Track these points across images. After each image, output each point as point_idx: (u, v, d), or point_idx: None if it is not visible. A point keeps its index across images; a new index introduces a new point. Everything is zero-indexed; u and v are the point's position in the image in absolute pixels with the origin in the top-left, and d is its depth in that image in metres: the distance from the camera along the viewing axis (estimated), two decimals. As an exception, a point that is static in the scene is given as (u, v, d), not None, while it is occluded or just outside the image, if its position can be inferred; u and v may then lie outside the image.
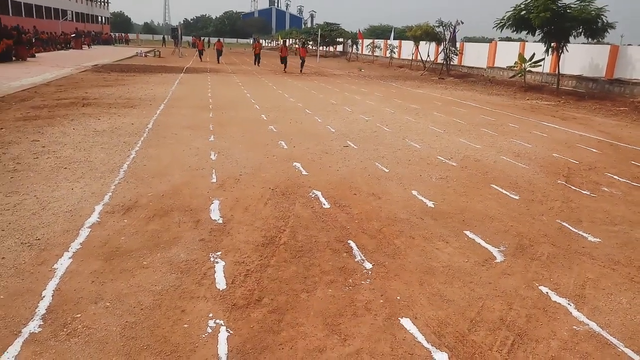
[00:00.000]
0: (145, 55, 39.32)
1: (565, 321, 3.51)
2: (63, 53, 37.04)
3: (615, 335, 3.36)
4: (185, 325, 3.22)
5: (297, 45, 33.14)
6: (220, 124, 10.55)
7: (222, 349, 3.00)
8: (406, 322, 3.38)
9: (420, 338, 3.21)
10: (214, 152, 7.99)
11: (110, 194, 5.73)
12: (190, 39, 69.82)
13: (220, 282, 3.81)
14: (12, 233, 4.54)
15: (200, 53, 38.52)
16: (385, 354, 3.03)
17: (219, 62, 34.54)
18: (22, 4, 48.25)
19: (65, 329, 3.13)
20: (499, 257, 4.52)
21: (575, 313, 3.63)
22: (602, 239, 5.09)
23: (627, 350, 3.19)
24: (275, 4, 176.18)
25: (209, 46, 53.42)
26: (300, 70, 28.32)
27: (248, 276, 3.93)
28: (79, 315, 3.29)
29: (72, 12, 62.40)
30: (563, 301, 3.79)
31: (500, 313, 3.57)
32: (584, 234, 5.20)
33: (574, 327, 3.44)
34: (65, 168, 6.71)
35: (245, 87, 18.86)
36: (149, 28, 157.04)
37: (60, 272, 3.86)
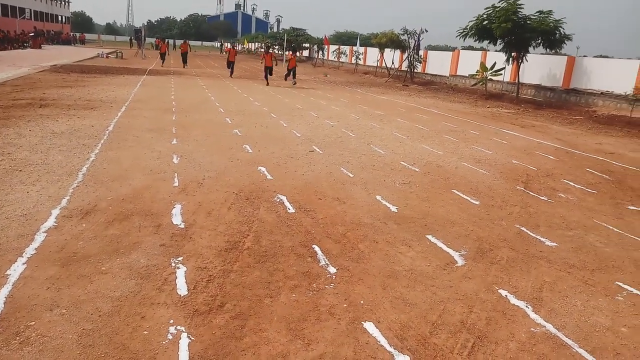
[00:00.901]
0: (107, 57, 38.42)
1: (524, 323, 3.60)
2: (20, 52, 35.83)
3: (570, 336, 3.46)
4: (145, 332, 3.15)
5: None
6: (184, 127, 10.40)
7: (183, 355, 2.95)
8: (369, 326, 3.39)
9: (383, 342, 3.23)
10: (177, 155, 7.87)
11: (68, 197, 5.57)
12: (154, 40, 67.93)
13: (182, 288, 3.74)
14: (-38, 238, 4.35)
15: (162, 56, 33.36)
16: (348, 357, 3.04)
17: (185, 67, 30.96)
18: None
19: (17, 338, 3.01)
20: (460, 261, 4.60)
21: (532, 315, 3.72)
22: (558, 244, 5.25)
23: (581, 351, 3.30)
24: (242, 8, 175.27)
25: (173, 48, 49.28)
26: (294, 82, 24.01)
27: (210, 282, 3.87)
28: (32, 323, 3.17)
29: (30, 10, 60.46)
30: (521, 304, 3.88)
31: (461, 316, 3.63)
32: (542, 239, 5.35)
33: (532, 329, 3.53)
34: (21, 171, 6.48)
35: (209, 90, 18.67)
36: (111, 29, 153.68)
37: (14, 278, 3.72)
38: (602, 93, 19.87)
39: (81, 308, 3.38)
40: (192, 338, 3.12)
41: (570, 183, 7.93)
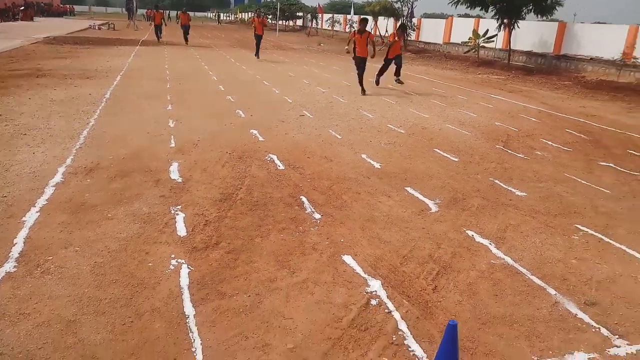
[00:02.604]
0: (99, 28, 38.21)
1: (485, 257, 4.06)
2: (11, 25, 35.61)
3: (525, 266, 3.93)
4: (150, 264, 3.60)
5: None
6: (178, 94, 10.72)
7: (184, 281, 3.40)
8: (347, 259, 3.85)
9: (359, 270, 3.69)
10: (172, 120, 8.23)
11: (72, 157, 5.96)
12: (144, 12, 66.09)
13: (181, 230, 4.18)
14: (-23, 192, 4.75)
15: (158, 29, 26.76)
16: (327, 282, 3.50)
17: (187, 42, 26.28)
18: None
19: (39, 269, 3.45)
20: (434, 208, 5.04)
21: (494, 251, 4.18)
22: (527, 193, 5.70)
23: (533, 277, 3.76)
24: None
25: (169, 19, 43.46)
26: (398, 80, 15.44)
27: (207, 225, 4.31)
28: (50, 257, 3.61)
29: (19, -19, 59.52)
30: (485, 242, 4.34)
31: (430, 251, 4.09)
32: (513, 189, 5.80)
33: (492, 261, 4.00)
34: (25, 134, 6.84)
35: (203, 60, 18.85)
36: (102, 0, 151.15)
37: (29, 223, 4.14)
38: (591, 59, 20.12)
39: (92, 246, 3.81)
40: (192, 268, 3.57)
41: (549, 142, 8.34)
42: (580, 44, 21.19)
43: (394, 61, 13.79)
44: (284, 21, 58.18)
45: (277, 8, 50.08)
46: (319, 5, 51.27)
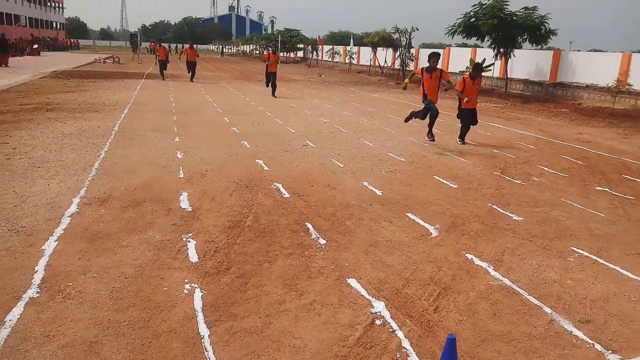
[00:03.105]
0: (104, 62, 39.07)
1: (484, 279, 4.25)
2: (18, 59, 36.39)
3: (522, 287, 4.11)
4: (165, 289, 3.79)
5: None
6: (185, 126, 11.04)
7: (198, 304, 3.59)
8: (352, 282, 4.04)
9: (363, 292, 3.88)
10: (180, 151, 8.50)
11: (85, 188, 6.20)
12: (148, 45, 67.15)
13: (193, 257, 4.38)
14: (-3, 222, 4.97)
15: (162, 66, 24.15)
16: (334, 304, 3.69)
17: (192, 81, 23.31)
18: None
19: (60, 294, 3.64)
20: (434, 233, 5.25)
21: (492, 273, 4.37)
22: (525, 218, 5.90)
23: (530, 297, 3.94)
24: (235, 10, 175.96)
25: (176, 53, 39.85)
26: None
27: (217, 252, 4.51)
28: (70, 283, 3.81)
29: (25, 17, 61.10)
30: (484, 264, 4.53)
31: (431, 274, 4.27)
32: (510, 214, 6.00)
33: (490, 282, 4.18)
34: (39, 167, 7.10)
35: (207, 93, 19.30)
36: (105, 34, 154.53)
37: (49, 252, 4.35)
38: (587, 86, 20.56)
39: (109, 272, 4.01)
40: (204, 292, 3.76)
41: (545, 168, 8.58)
42: (575, 72, 21.67)
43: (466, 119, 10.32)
44: (284, 53, 59.24)
45: (278, 40, 51.13)
46: (319, 36, 52.42)
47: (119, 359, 2.96)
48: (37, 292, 3.65)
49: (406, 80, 10.62)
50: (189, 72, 23.76)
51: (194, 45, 24.54)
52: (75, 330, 3.21)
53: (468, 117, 10.34)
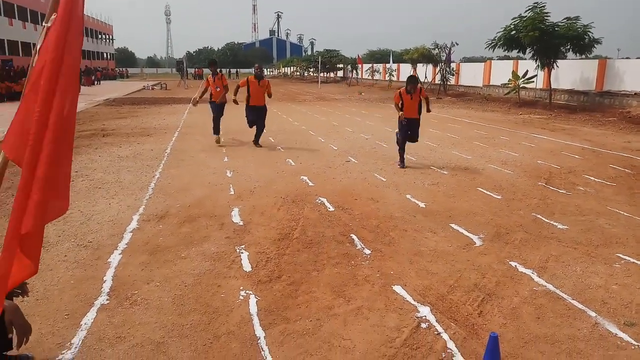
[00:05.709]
0: (152, 88, 40.72)
1: (528, 285, 4.33)
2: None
3: (566, 292, 4.17)
4: (222, 295, 4.07)
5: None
6: (232, 147, 11.48)
7: (253, 309, 3.84)
8: (398, 288, 4.21)
9: (409, 298, 4.04)
10: (229, 170, 8.90)
11: (143, 206, 6.62)
12: (193, 70, 69.36)
13: (247, 266, 4.66)
14: (67, 238, 5.41)
15: (218, 113, 12.40)
16: (380, 308, 3.87)
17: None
18: (32, 44, 50.08)
19: (127, 301, 3.98)
20: (478, 242, 5.35)
21: (536, 279, 4.44)
22: (569, 227, 5.91)
23: (574, 302, 4.00)
24: (276, 34, 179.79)
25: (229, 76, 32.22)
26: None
27: (269, 262, 4.78)
28: (136, 291, 4.14)
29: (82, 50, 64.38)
30: (528, 271, 4.61)
31: (475, 280, 4.39)
32: (555, 223, 6.03)
33: (534, 288, 4.26)
34: (100, 188, 7.61)
35: (251, 114, 19.84)
36: (152, 62, 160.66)
37: (115, 264, 4.72)
38: (635, 94, 20.01)
39: (170, 281, 4.33)
40: (259, 298, 4.02)
41: (591, 178, 8.49)
42: (623, 79, 21.13)
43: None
44: (325, 73, 60.06)
45: (318, 61, 51.95)
46: (358, 56, 52.94)
47: (184, 357, 3.23)
48: (107, 299, 4.00)
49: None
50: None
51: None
52: (143, 332, 3.52)
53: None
